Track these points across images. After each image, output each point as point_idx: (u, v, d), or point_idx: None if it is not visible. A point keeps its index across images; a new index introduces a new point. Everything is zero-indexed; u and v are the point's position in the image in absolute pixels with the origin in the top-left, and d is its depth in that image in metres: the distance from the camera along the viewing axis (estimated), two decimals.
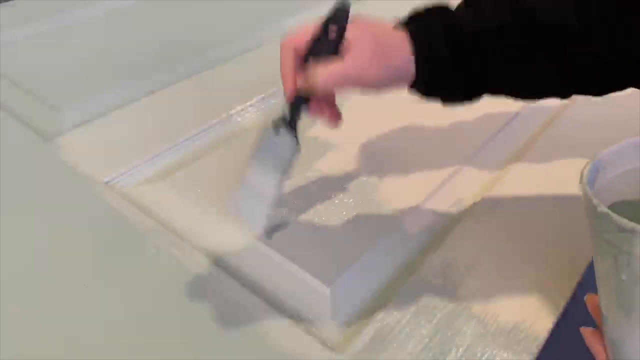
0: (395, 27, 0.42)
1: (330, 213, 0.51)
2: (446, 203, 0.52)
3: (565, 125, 0.63)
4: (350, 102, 0.67)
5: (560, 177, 0.55)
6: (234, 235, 0.48)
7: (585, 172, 0.33)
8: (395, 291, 0.44)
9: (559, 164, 0.57)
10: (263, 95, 0.65)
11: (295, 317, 0.42)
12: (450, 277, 0.45)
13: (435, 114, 0.65)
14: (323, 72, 0.39)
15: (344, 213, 0.51)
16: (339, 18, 0.40)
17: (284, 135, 0.43)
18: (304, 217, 0.51)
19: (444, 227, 0.50)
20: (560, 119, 0.63)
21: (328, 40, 0.40)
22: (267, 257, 0.47)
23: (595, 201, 0.31)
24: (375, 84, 0.40)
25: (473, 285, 0.44)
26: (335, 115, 0.44)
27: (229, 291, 0.43)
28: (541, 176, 0.55)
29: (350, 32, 0.40)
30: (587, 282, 0.46)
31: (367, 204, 0.52)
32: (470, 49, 0.40)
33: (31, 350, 0.40)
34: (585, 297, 0.36)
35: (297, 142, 0.43)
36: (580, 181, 0.33)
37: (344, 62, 0.39)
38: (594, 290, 0.35)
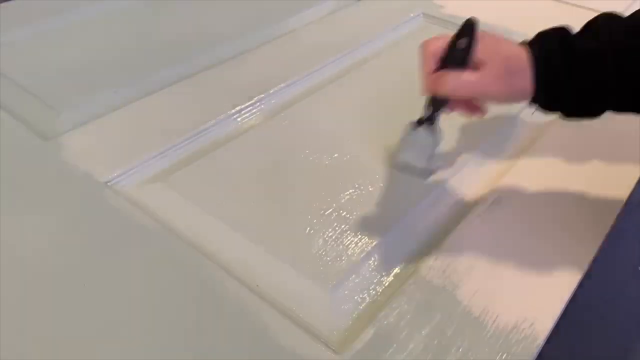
0: (521, 44, 0.45)
1: (330, 214, 0.51)
2: (446, 203, 0.52)
3: (568, 125, 0.63)
4: (349, 100, 0.67)
5: (561, 177, 0.55)
6: (234, 236, 0.48)
7: None
8: (395, 291, 0.44)
9: (559, 164, 0.57)
10: (263, 95, 0.65)
11: (295, 317, 0.42)
12: (450, 277, 0.45)
13: None
14: (454, 81, 0.44)
15: (344, 213, 0.51)
16: (467, 32, 0.45)
17: (426, 130, 0.51)
18: (304, 217, 0.51)
19: (444, 227, 0.50)
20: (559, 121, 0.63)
21: (458, 50, 0.45)
22: (268, 257, 0.47)
23: None
24: (497, 98, 0.45)
25: (473, 285, 0.44)
26: (475, 109, 0.49)
27: (228, 291, 0.43)
28: (541, 176, 0.55)
29: (483, 50, 0.44)
30: (588, 282, 0.46)
31: (366, 203, 0.52)
32: (584, 64, 0.43)
33: (31, 350, 0.40)
34: None
35: (438, 134, 0.51)
36: None
37: (475, 76, 0.44)
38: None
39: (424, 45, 0.47)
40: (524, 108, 0.65)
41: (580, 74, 0.43)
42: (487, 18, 0.83)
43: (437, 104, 0.49)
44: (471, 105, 0.49)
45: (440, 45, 0.46)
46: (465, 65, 0.44)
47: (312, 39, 0.78)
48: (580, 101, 0.44)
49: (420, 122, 0.51)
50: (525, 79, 0.43)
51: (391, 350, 0.40)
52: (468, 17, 0.46)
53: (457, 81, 0.44)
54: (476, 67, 0.44)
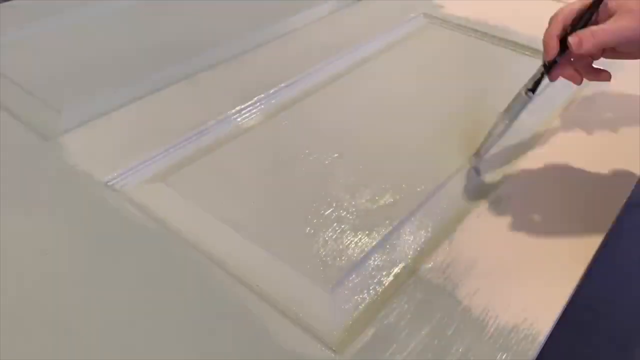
0: None
1: (330, 214, 0.51)
2: (446, 203, 0.52)
3: (569, 125, 0.63)
4: (350, 100, 0.67)
5: (561, 177, 0.55)
6: (233, 236, 0.48)
7: None
8: (395, 291, 0.44)
9: (559, 164, 0.57)
10: (263, 95, 0.65)
11: (295, 317, 0.42)
12: (450, 277, 0.45)
13: (435, 112, 0.65)
14: (600, 32, 0.46)
15: (344, 213, 0.51)
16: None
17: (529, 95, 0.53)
18: (304, 217, 0.51)
19: (444, 227, 0.50)
20: (562, 119, 0.63)
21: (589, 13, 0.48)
22: (268, 257, 0.47)
23: None
24: (638, 42, 0.47)
25: (473, 285, 0.44)
26: (579, 74, 0.52)
27: (228, 291, 0.43)
28: (541, 176, 0.55)
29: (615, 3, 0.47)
30: (588, 282, 0.46)
31: (366, 203, 0.52)
32: None
33: (31, 350, 0.40)
34: None
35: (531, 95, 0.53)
36: None
37: (618, 23, 0.46)
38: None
39: (556, 13, 0.50)
40: (523, 108, 0.65)
41: None
42: (487, 18, 0.83)
43: (548, 67, 0.51)
44: (577, 70, 0.51)
45: (568, 13, 0.49)
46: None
47: (312, 39, 0.78)
48: None
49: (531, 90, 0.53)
50: None
51: (391, 350, 0.40)
52: None
53: (603, 32, 0.46)
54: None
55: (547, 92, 0.68)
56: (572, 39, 0.47)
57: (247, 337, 0.41)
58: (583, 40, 0.47)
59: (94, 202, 0.51)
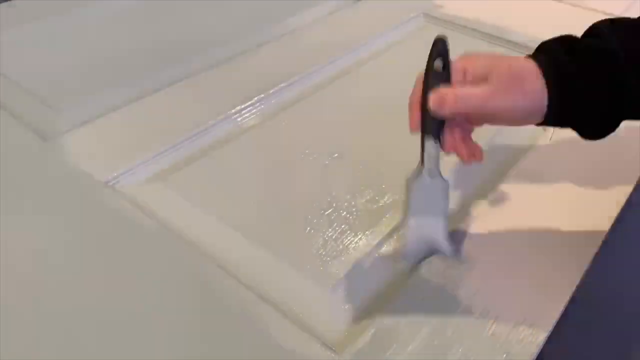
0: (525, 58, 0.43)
1: (330, 214, 0.51)
2: None
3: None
4: (349, 100, 0.67)
5: (561, 177, 0.55)
6: (233, 236, 0.48)
7: None
8: (395, 291, 0.44)
9: (559, 164, 0.57)
10: (263, 95, 0.65)
11: (295, 317, 0.42)
12: (450, 277, 0.45)
13: None
14: (460, 93, 0.41)
15: (344, 213, 0.51)
16: (440, 50, 0.43)
17: (433, 179, 0.45)
18: (304, 217, 0.51)
19: None
20: None
21: (438, 73, 0.42)
22: (267, 257, 0.47)
23: None
24: (512, 110, 0.41)
25: (473, 285, 0.44)
26: (473, 150, 0.44)
27: (228, 291, 0.43)
28: (541, 176, 0.55)
29: (482, 65, 0.42)
30: (589, 282, 0.46)
31: (366, 203, 0.52)
32: (594, 63, 0.41)
33: (31, 351, 0.40)
34: None
35: (445, 180, 0.45)
36: None
37: (481, 88, 0.41)
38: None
39: (411, 99, 0.46)
40: None
41: (591, 70, 0.40)
42: (487, 18, 0.83)
43: (434, 137, 0.44)
44: (469, 144, 0.44)
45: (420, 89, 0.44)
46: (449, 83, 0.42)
47: (312, 39, 0.78)
48: (595, 93, 0.40)
49: (420, 172, 0.46)
50: (536, 80, 0.40)
51: (391, 350, 0.40)
52: (439, 36, 0.44)
53: (462, 93, 0.41)
54: (477, 84, 0.41)
55: None
56: (432, 97, 0.42)
57: (247, 337, 0.41)
58: (445, 99, 0.41)
59: (94, 202, 0.51)
